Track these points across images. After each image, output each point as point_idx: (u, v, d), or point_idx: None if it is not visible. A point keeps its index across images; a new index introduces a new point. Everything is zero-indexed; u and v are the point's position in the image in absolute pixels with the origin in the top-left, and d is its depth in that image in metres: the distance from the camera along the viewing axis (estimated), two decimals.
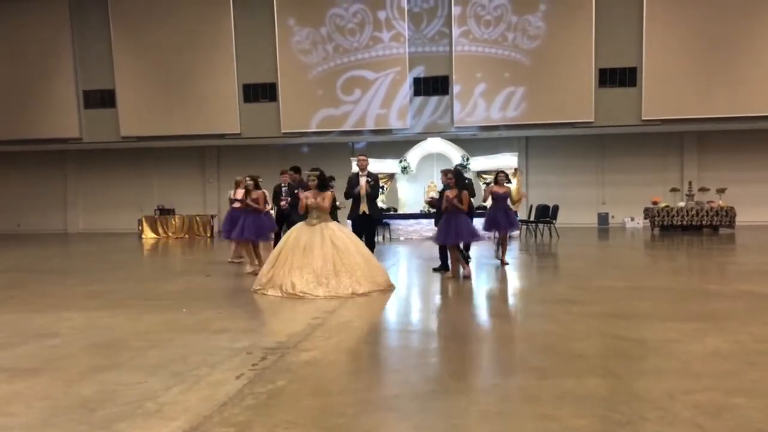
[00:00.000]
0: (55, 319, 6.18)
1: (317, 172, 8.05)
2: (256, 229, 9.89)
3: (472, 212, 9.56)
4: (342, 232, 7.91)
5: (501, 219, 10.60)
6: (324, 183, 8.08)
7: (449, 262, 9.31)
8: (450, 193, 8.94)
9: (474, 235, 9.17)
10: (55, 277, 10.21)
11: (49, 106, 23.96)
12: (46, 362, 4.50)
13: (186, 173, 26.27)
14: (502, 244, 10.86)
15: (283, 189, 11.25)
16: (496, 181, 11.00)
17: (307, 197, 7.87)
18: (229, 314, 6.46)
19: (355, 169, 10.69)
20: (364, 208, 9.80)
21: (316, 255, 7.50)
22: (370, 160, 19.94)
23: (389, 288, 7.82)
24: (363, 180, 9.83)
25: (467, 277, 8.92)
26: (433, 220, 12.92)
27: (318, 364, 4.39)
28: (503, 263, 10.62)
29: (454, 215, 8.92)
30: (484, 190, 11.82)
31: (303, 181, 9.84)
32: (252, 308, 7.03)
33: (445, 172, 9.41)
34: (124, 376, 4.07)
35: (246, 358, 4.47)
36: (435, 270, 9.78)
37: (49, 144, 24.80)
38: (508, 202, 11.05)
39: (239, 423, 3.19)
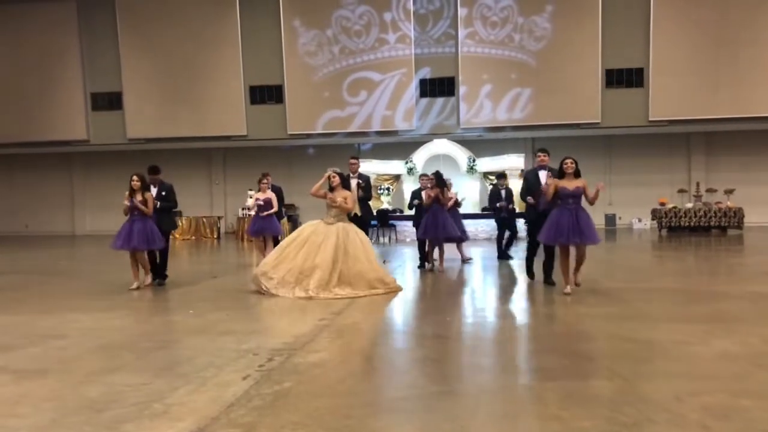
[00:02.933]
0: (62, 321, 6.20)
1: (340, 171, 8.10)
2: (146, 236, 8.38)
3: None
4: (357, 235, 7.89)
5: (569, 226, 7.22)
6: (346, 182, 8.07)
7: (433, 255, 10.24)
8: (431, 192, 9.94)
9: (451, 231, 10.03)
10: (62, 279, 10.25)
11: (57, 108, 24.08)
12: (53, 364, 4.52)
13: (192, 175, 26.30)
14: (576, 263, 7.46)
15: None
16: (561, 173, 7.56)
17: (330, 197, 7.88)
18: (236, 316, 6.47)
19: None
20: (355, 209, 9.90)
21: (327, 258, 7.48)
22: (376, 162, 20.28)
23: (393, 291, 7.79)
24: (354, 182, 9.89)
25: (441, 271, 10.00)
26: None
27: (325, 365, 4.39)
28: (565, 291, 7.35)
29: (433, 213, 9.89)
30: (546, 184, 7.82)
31: (164, 182, 9.03)
32: (258, 309, 7.04)
33: (425, 176, 10.70)
34: (130, 378, 4.08)
35: (252, 360, 4.47)
36: (419, 267, 10.49)
37: (57, 146, 24.92)
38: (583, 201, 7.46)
39: (246, 424, 3.19)
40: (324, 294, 7.28)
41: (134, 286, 8.42)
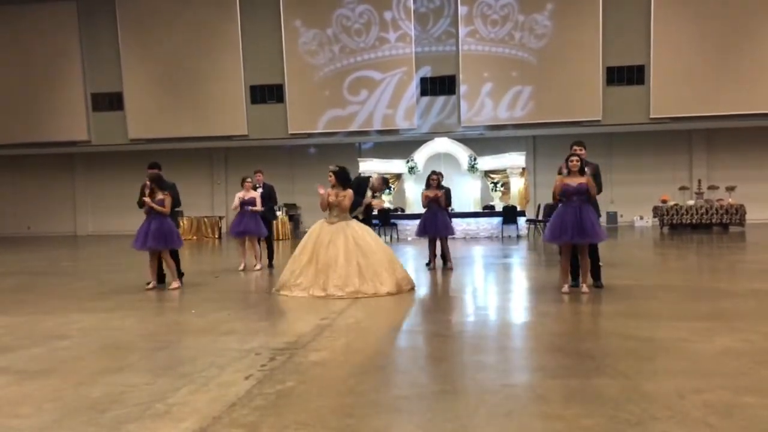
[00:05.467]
0: (64, 321, 6.21)
1: (336, 169, 7.98)
2: (163, 235, 8.42)
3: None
4: (364, 231, 7.85)
5: (573, 224, 7.07)
6: (345, 180, 7.98)
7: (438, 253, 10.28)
8: (430, 193, 10.07)
9: (448, 230, 10.18)
10: (64, 280, 10.27)
11: (58, 109, 24.11)
12: (56, 364, 4.52)
13: (194, 175, 26.31)
14: (581, 265, 7.39)
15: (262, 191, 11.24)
16: (568, 169, 7.34)
17: (328, 194, 7.81)
18: (238, 315, 6.47)
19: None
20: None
21: (339, 254, 7.45)
22: (377, 161, 20.26)
23: (411, 287, 7.82)
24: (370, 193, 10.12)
25: (449, 269, 9.99)
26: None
27: (327, 364, 4.39)
28: (563, 290, 7.30)
29: (432, 212, 10.08)
30: (556, 183, 7.43)
31: (166, 180, 8.96)
32: (260, 309, 7.04)
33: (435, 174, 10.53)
34: (133, 378, 4.08)
35: (255, 359, 4.47)
36: (427, 265, 10.45)
37: (58, 147, 24.96)
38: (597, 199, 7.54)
39: (248, 424, 3.19)
40: (341, 292, 7.21)
41: (151, 285, 8.45)
